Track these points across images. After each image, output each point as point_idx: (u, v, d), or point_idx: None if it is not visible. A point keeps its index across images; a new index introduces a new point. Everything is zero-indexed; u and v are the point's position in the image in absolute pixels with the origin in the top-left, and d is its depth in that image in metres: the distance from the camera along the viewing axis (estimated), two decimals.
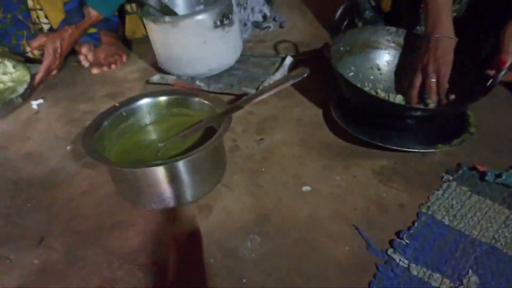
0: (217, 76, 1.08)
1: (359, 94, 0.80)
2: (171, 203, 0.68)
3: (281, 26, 1.37)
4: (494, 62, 0.74)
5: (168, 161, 0.63)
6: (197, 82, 1.04)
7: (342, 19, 1.02)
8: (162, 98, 0.79)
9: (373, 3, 1.04)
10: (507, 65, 0.72)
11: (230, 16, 1.02)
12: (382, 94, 0.93)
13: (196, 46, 1.02)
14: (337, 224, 0.67)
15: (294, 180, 0.76)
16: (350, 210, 0.69)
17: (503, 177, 0.70)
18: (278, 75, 1.07)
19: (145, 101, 0.79)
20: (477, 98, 0.75)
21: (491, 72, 0.74)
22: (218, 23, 0.99)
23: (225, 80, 1.07)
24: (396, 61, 0.97)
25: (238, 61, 1.14)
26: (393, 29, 0.96)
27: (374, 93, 0.92)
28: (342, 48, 0.94)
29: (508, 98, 0.95)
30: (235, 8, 1.06)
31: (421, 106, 0.84)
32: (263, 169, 0.79)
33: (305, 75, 0.61)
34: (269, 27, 1.37)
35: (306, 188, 0.74)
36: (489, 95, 0.95)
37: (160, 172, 0.63)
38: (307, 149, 0.84)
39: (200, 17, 0.98)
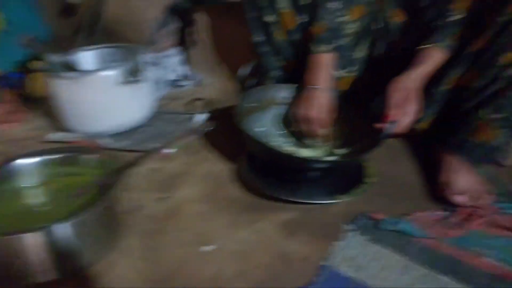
0: (127, 133, 1.04)
1: (260, 149, 0.80)
2: (49, 276, 0.60)
3: (197, 85, 1.39)
4: (382, 116, 0.79)
5: (39, 228, 0.56)
6: (105, 140, 0.99)
7: (253, 75, 1.06)
8: (48, 157, 0.73)
9: (280, 64, 1.09)
10: (390, 119, 0.78)
11: (138, 73, 1.01)
12: (289, 149, 0.95)
13: (103, 102, 0.98)
14: (242, 283, 0.63)
15: (198, 240, 0.72)
16: (255, 267, 0.66)
17: (399, 225, 0.72)
18: (189, 131, 1.06)
19: (27, 161, 0.72)
20: (367, 151, 0.79)
21: (380, 126, 0.79)
22: (126, 80, 0.97)
23: (135, 137, 1.03)
24: None
25: (151, 118, 1.11)
26: (296, 85, 1.00)
27: (280, 148, 0.94)
28: (252, 104, 0.97)
29: (403, 148, 1.02)
30: (146, 66, 1.05)
31: (313, 158, 0.88)
32: (165, 230, 0.74)
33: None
34: (186, 85, 1.38)
35: (210, 248, 0.70)
36: (387, 146, 1.02)
37: (31, 240, 0.55)
38: (213, 205, 0.81)
39: (105, 73, 0.96)
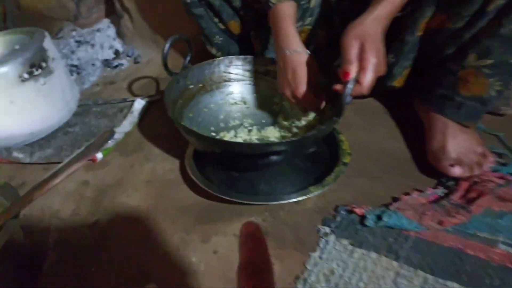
0: (46, 139, 0.84)
1: (201, 140, 0.63)
2: None
3: (136, 62, 1.18)
4: (340, 75, 0.62)
5: None
6: (15, 154, 0.80)
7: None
8: None
9: (221, 26, 0.90)
10: (351, 76, 0.61)
11: (43, 64, 0.80)
12: (244, 132, 0.78)
13: (1, 108, 0.77)
14: None
15: (135, 276, 0.56)
16: None
17: (384, 219, 0.58)
18: (126, 124, 0.87)
19: None
20: (328, 122, 0.63)
21: (338, 88, 0.63)
22: (26, 75, 0.76)
23: (57, 143, 0.83)
24: (262, 90, 0.83)
25: (76, 114, 0.91)
26: (250, 57, 0.82)
27: (246, 132, 0.77)
28: (191, 86, 0.78)
29: (380, 110, 0.86)
30: (53, 52, 0.84)
31: (269, 142, 0.71)
32: (93, 269, 0.58)
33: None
34: (121, 64, 1.17)
35: (150, 286, 0.55)
36: (361, 110, 0.86)
37: None
38: (158, 220, 0.65)
39: None
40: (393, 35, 0.73)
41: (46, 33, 0.86)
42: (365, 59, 0.60)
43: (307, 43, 0.88)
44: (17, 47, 0.80)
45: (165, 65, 0.74)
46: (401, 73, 0.77)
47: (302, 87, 0.68)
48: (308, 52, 0.69)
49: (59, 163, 0.71)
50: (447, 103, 0.70)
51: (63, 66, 0.88)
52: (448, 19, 0.65)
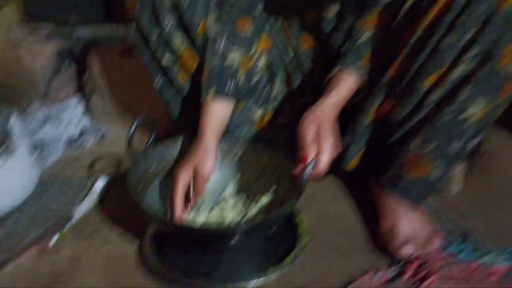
0: None
1: (161, 223, 0.63)
2: None
3: (101, 139, 1.19)
4: (299, 160, 0.66)
5: None
6: None
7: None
8: None
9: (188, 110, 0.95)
10: (309, 160, 0.65)
11: (5, 143, 0.80)
12: (205, 212, 0.79)
13: None
14: None
15: None
16: None
17: None
18: (85, 204, 0.86)
19: None
20: (287, 203, 0.66)
21: (297, 171, 0.66)
22: None
23: (10, 225, 0.80)
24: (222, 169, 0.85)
25: (35, 193, 0.90)
26: None
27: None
28: (153, 167, 0.80)
29: (340, 188, 0.90)
30: (17, 131, 0.85)
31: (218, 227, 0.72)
32: None
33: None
34: (86, 141, 1.18)
35: None
36: (322, 188, 0.90)
37: None
38: None
39: None
40: (348, 120, 0.79)
41: (14, 112, 0.88)
42: (321, 142, 0.65)
43: (269, 127, 0.94)
44: None
45: (129, 145, 0.76)
46: (356, 155, 0.82)
47: (179, 178, 0.72)
48: (212, 152, 0.75)
49: (11, 247, 0.69)
50: (397, 184, 0.74)
51: (25, 145, 0.88)
52: (395, 107, 0.72)
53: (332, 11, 0.82)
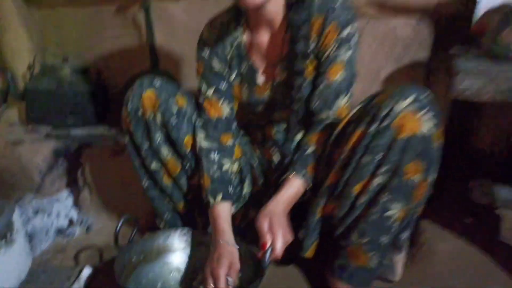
0: None
1: None
2: None
3: (87, 230, 1.31)
4: (260, 247, 0.82)
5: None
6: None
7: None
8: None
9: (170, 206, 1.10)
10: (267, 246, 0.80)
11: (8, 235, 0.92)
12: None
13: None
14: None
15: None
16: None
17: None
18: None
19: None
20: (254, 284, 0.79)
21: (259, 256, 0.81)
22: None
23: None
24: (196, 260, 0.98)
25: (25, 281, 0.99)
26: (186, 229, 1.00)
27: None
28: (134, 258, 0.92)
29: (299, 277, 1.03)
30: (18, 224, 0.97)
31: None
32: None
33: None
34: (73, 233, 1.29)
35: None
36: (285, 276, 1.03)
37: None
38: None
39: None
40: (302, 216, 0.96)
41: (16, 207, 1.01)
42: (274, 232, 0.82)
43: (240, 222, 1.10)
44: None
45: (116, 240, 0.89)
46: (311, 245, 0.96)
47: (220, 272, 0.83)
48: (237, 246, 0.89)
49: None
50: (344, 271, 0.89)
51: (23, 236, 1.00)
52: (335, 208, 0.89)
53: (282, 127, 1.04)
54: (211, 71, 1.00)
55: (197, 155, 1.00)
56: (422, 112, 0.75)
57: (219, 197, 0.95)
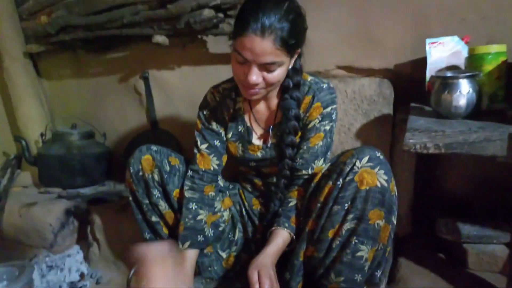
0: None
1: None
2: None
3: (97, 282, 1.42)
4: None
5: None
6: None
7: None
8: None
9: None
10: None
11: None
12: None
13: None
14: None
15: None
16: None
17: None
18: None
19: None
20: None
21: None
22: None
23: None
24: None
25: None
26: None
27: None
28: None
29: None
30: (37, 282, 1.10)
31: None
32: None
33: None
34: (85, 285, 1.41)
35: None
36: None
37: None
38: None
39: None
40: (287, 259, 1.08)
41: (35, 266, 1.14)
42: (261, 281, 0.94)
43: (235, 264, 1.23)
44: (4, 282, 1.06)
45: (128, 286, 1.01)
46: (296, 286, 1.08)
47: None
48: None
49: None
50: None
51: None
52: (314, 251, 1.02)
53: (269, 180, 1.19)
54: (207, 129, 1.18)
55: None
56: (376, 169, 0.91)
57: (187, 244, 1.09)
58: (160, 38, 1.53)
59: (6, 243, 1.65)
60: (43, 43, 1.86)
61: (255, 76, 0.96)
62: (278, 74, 0.99)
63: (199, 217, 1.14)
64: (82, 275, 1.47)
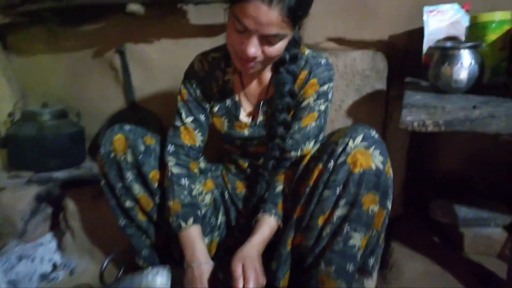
0: None
1: None
2: None
3: (71, 273, 1.33)
4: None
5: None
6: None
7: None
8: None
9: (147, 242, 1.14)
10: None
11: None
12: None
13: None
14: None
15: None
16: None
17: None
18: None
19: None
20: None
21: None
22: None
23: None
24: None
25: None
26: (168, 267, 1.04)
27: None
28: None
29: None
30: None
31: None
32: None
33: None
34: (57, 277, 1.31)
35: None
36: None
37: None
38: None
39: None
40: (274, 248, 1.01)
41: None
42: (246, 276, 0.86)
43: (218, 250, 1.15)
44: None
45: (101, 279, 0.92)
46: (284, 276, 1.00)
47: None
48: (212, 263, 0.94)
49: None
50: None
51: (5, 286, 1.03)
52: (303, 240, 0.94)
53: (254, 161, 1.10)
54: (194, 101, 1.07)
55: (164, 189, 1.05)
56: (371, 149, 0.83)
57: (190, 220, 1.00)
58: (134, 7, 1.39)
59: None
60: (8, 13, 1.69)
61: (254, 48, 0.85)
62: (279, 47, 0.88)
63: (194, 193, 1.05)
64: (54, 266, 1.38)
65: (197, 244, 0.98)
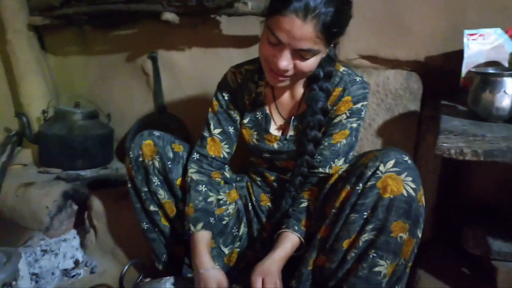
0: None
1: None
2: None
3: (92, 272, 1.35)
4: None
5: None
6: None
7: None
8: None
9: (168, 248, 1.14)
10: None
11: (13, 282, 0.97)
12: None
13: None
14: None
15: None
16: None
17: None
18: None
19: None
20: None
21: None
22: None
23: None
24: None
25: None
26: (188, 277, 1.04)
27: None
28: None
29: None
30: (24, 271, 1.02)
31: None
32: None
33: None
34: (79, 274, 1.34)
35: None
36: None
37: None
38: None
39: None
40: (295, 267, 0.99)
41: (22, 254, 1.06)
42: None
43: (238, 261, 1.13)
44: None
45: (121, 284, 0.93)
46: None
47: None
48: (218, 267, 0.93)
49: None
50: None
51: (28, 282, 1.05)
52: (326, 261, 0.92)
53: (280, 176, 1.09)
54: (224, 113, 1.08)
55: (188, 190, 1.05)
56: (403, 175, 0.80)
57: (200, 225, 0.99)
58: (169, 16, 1.41)
59: (1, 223, 1.58)
60: (47, 16, 1.75)
61: (286, 61, 0.85)
62: (311, 63, 0.87)
63: (209, 199, 1.05)
64: (76, 262, 1.40)
65: (198, 248, 0.97)
